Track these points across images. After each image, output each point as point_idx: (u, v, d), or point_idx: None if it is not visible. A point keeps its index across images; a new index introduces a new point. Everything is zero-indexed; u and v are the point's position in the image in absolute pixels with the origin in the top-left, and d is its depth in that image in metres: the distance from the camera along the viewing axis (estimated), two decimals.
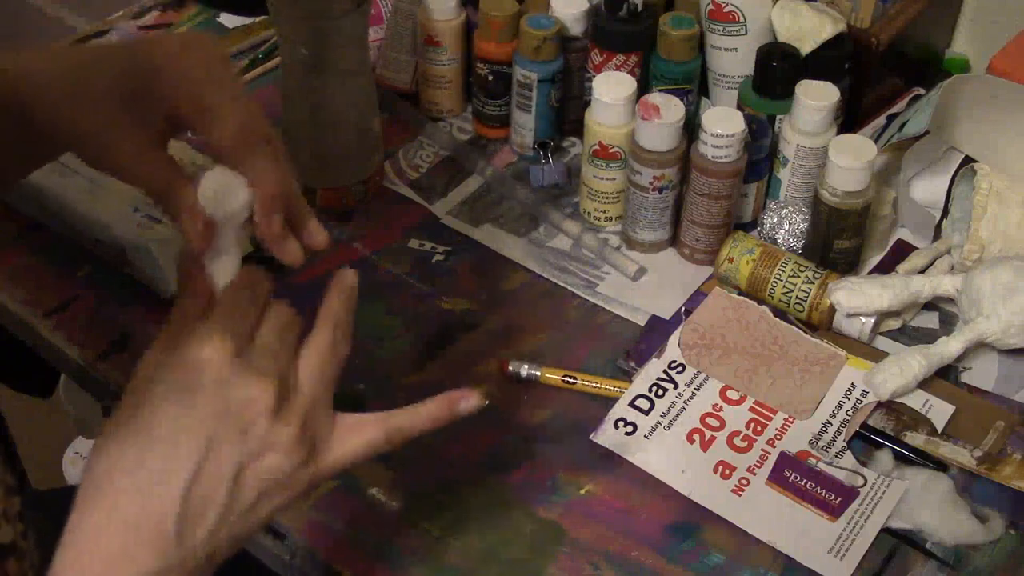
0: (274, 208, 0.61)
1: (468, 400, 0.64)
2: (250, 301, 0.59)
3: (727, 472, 0.81)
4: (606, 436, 0.83)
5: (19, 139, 0.62)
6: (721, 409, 0.85)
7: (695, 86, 1.02)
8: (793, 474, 0.80)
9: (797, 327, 0.90)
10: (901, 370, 0.85)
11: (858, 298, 0.88)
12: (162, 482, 0.54)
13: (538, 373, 0.86)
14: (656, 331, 0.90)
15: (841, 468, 0.81)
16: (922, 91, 1.05)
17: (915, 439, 0.83)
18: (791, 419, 0.84)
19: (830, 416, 0.84)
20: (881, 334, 0.91)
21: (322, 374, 0.60)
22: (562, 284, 0.95)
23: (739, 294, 0.93)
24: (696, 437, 0.83)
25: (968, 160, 0.95)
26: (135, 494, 0.54)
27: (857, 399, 0.85)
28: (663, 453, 0.82)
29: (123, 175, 0.61)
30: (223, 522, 0.55)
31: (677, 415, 0.84)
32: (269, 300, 0.60)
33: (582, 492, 0.81)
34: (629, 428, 0.83)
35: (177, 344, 0.56)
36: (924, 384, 0.86)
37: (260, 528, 0.58)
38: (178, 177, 0.61)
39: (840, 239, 0.92)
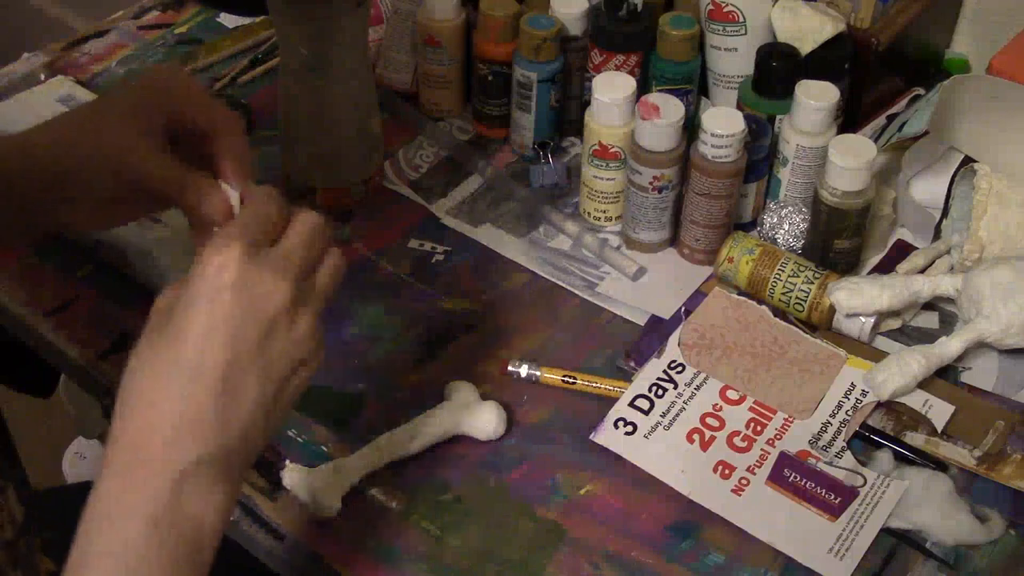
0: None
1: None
2: (270, 210, 0.63)
3: (727, 472, 0.81)
4: (606, 436, 0.83)
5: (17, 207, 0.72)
6: (721, 409, 0.85)
7: (695, 86, 1.02)
8: (793, 474, 0.80)
9: (797, 327, 0.90)
10: (901, 370, 0.85)
11: (858, 298, 0.88)
12: (196, 378, 0.58)
13: (538, 373, 0.86)
14: (656, 331, 0.90)
15: (841, 468, 0.81)
16: (922, 91, 1.05)
17: (915, 439, 0.83)
18: (791, 419, 0.84)
19: (830, 416, 0.84)
20: (881, 334, 0.91)
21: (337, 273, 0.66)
22: (562, 284, 0.95)
23: (739, 294, 0.93)
24: (696, 437, 0.83)
25: (968, 160, 0.95)
26: (174, 393, 0.58)
27: (857, 399, 0.85)
28: (663, 453, 0.82)
29: (144, 177, 0.70)
30: (258, 407, 0.60)
31: (677, 415, 0.84)
32: (293, 211, 0.64)
33: (582, 492, 0.81)
34: (629, 428, 0.83)
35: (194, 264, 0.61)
36: (924, 384, 0.86)
37: (288, 411, 0.63)
38: (191, 171, 0.70)
39: (840, 239, 0.92)
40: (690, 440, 0.83)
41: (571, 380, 0.86)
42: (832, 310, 0.89)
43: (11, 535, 0.61)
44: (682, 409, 0.84)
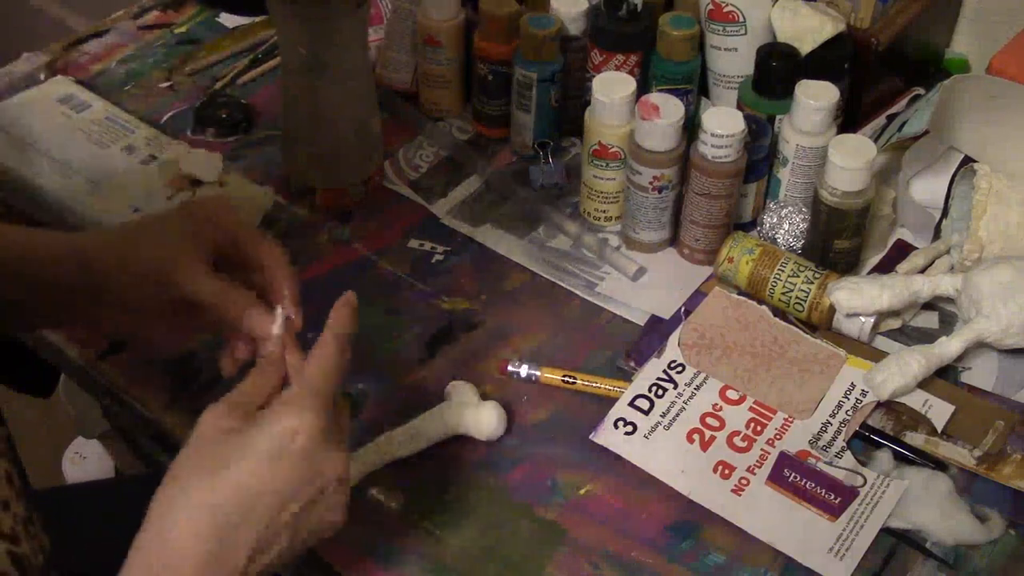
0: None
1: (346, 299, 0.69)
2: (342, 365, 0.66)
3: (727, 472, 0.81)
4: (606, 436, 0.83)
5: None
6: (721, 409, 0.85)
7: (695, 86, 1.02)
8: (793, 474, 0.80)
9: (797, 327, 0.90)
10: (901, 370, 0.85)
11: (858, 298, 0.88)
12: (234, 535, 0.60)
13: (538, 373, 0.86)
14: (656, 331, 0.90)
15: (841, 468, 0.81)
16: (922, 91, 1.05)
17: (915, 439, 0.83)
18: (791, 419, 0.84)
19: (830, 416, 0.84)
20: (881, 334, 0.91)
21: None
22: (562, 284, 0.95)
23: (739, 294, 0.93)
24: (696, 437, 0.83)
25: (968, 160, 0.95)
26: (207, 546, 0.59)
27: (857, 399, 0.85)
28: (663, 453, 0.82)
29: (189, 292, 0.72)
30: (277, 559, 0.62)
31: (677, 415, 0.84)
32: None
33: (582, 492, 0.81)
34: (629, 428, 0.83)
35: (264, 413, 0.63)
36: (924, 384, 0.86)
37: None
38: (234, 287, 0.72)
39: (840, 239, 0.92)
40: (690, 440, 0.83)
41: (571, 380, 0.86)
42: (832, 310, 0.89)
43: None
44: (682, 409, 0.84)
